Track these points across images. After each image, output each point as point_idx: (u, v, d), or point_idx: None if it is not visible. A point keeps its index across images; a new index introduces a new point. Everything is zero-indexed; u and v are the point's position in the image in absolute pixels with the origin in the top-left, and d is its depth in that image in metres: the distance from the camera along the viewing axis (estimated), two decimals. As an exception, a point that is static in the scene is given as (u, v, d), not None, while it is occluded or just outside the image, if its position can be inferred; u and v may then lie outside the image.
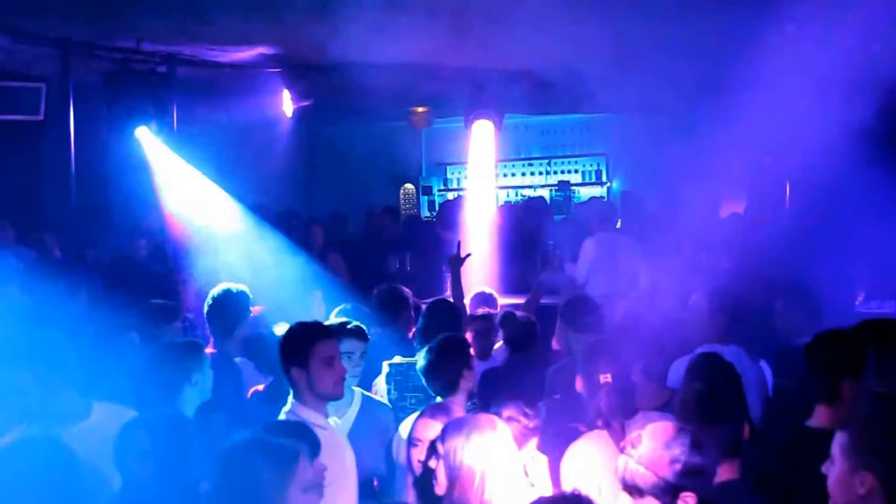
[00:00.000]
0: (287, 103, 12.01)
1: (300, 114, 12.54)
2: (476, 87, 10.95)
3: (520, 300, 8.95)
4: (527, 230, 11.77)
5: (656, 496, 3.42)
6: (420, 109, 13.86)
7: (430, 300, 7.81)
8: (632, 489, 3.49)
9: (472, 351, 5.95)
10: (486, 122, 11.16)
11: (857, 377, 4.68)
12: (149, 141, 10.72)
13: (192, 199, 11.08)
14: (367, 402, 5.65)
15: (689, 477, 3.39)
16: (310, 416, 4.79)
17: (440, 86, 11.27)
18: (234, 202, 11.26)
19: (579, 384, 5.05)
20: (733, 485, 3.99)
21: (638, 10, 8.18)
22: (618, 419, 4.72)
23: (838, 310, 8.12)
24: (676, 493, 3.38)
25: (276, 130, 13.38)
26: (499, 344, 7.21)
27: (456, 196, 14.63)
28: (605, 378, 4.85)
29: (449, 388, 5.45)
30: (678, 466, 3.40)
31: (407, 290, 7.62)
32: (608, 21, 8.38)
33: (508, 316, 7.06)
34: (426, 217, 16.12)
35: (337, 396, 5.05)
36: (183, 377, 5.31)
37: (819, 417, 4.68)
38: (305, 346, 4.91)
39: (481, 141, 11.56)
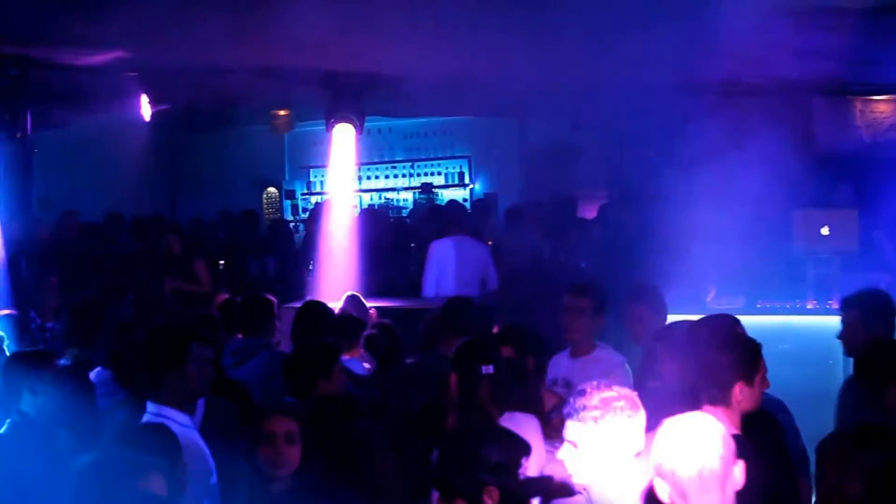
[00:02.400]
0: (145, 107, 11.82)
1: (159, 119, 12.34)
2: (335, 90, 10.95)
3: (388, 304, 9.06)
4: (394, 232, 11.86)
5: (463, 496, 3.52)
6: (281, 113, 13.81)
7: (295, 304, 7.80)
8: (443, 490, 3.59)
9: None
10: (347, 126, 11.17)
11: None
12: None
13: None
14: (213, 403, 5.61)
15: (492, 473, 3.50)
16: (174, 415, 4.84)
17: (300, 90, 11.24)
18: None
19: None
20: None
21: (495, 17, 8.30)
22: (496, 408, 4.84)
23: (690, 306, 8.43)
24: (480, 489, 3.49)
25: (134, 135, 13.14)
26: None
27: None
28: (487, 369, 4.96)
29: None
30: (479, 463, 3.51)
31: (272, 297, 7.62)
32: (467, 26, 8.48)
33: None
34: (289, 221, 16.06)
35: (205, 393, 5.18)
36: (22, 386, 5.24)
37: None
38: (182, 347, 4.97)
39: (343, 144, 11.56)
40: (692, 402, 4.37)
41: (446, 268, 10.14)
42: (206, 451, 4.80)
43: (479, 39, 8.96)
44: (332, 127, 11.23)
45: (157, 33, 8.85)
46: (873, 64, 10.40)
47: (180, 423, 4.82)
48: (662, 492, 3.30)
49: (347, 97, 11.07)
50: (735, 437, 4.06)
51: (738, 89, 10.33)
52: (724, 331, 5.09)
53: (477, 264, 10.25)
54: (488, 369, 4.94)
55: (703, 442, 3.28)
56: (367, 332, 7.20)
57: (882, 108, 12.20)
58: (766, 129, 9.49)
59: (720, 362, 4.47)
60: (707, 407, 4.34)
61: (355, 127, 11.26)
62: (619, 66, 9.47)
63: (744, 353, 4.55)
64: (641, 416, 3.98)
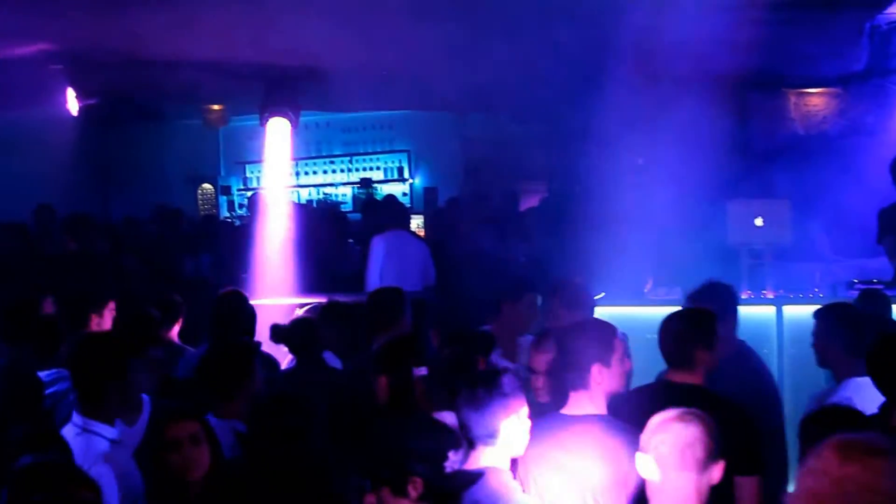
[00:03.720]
0: (72, 102, 11.55)
1: (88, 113, 12.09)
2: (270, 84, 10.81)
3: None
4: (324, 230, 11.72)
5: (389, 485, 3.49)
6: (215, 108, 13.62)
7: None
8: (371, 479, 3.55)
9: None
10: (282, 120, 11.03)
11: None
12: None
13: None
14: (158, 405, 5.47)
15: (417, 462, 3.46)
16: (104, 431, 4.64)
17: (234, 83, 11.09)
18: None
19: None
20: None
21: (430, 11, 8.26)
22: (430, 407, 4.79)
23: (628, 298, 8.45)
24: (405, 479, 3.44)
25: (61, 131, 12.86)
26: None
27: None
28: (419, 371, 4.89)
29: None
30: (405, 453, 3.47)
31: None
32: (400, 20, 8.43)
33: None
34: (225, 217, 15.86)
35: (151, 393, 5.31)
36: None
37: None
38: (124, 358, 4.81)
39: (278, 139, 11.41)
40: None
41: (388, 262, 10.04)
42: (112, 480, 4.48)
43: (414, 32, 8.91)
44: (267, 121, 11.09)
45: (83, 24, 8.69)
46: (806, 57, 10.51)
47: (108, 437, 4.62)
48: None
49: (281, 90, 10.94)
50: (601, 417, 4.44)
51: (672, 82, 10.37)
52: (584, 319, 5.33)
53: (418, 259, 10.18)
54: (420, 371, 4.87)
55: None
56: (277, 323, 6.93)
57: (815, 101, 12.32)
58: (701, 122, 9.52)
59: (575, 347, 4.62)
60: (571, 393, 4.55)
61: (290, 121, 11.12)
62: (554, 60, 9.48)
63: (596, 335, 4.67)
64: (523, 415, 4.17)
